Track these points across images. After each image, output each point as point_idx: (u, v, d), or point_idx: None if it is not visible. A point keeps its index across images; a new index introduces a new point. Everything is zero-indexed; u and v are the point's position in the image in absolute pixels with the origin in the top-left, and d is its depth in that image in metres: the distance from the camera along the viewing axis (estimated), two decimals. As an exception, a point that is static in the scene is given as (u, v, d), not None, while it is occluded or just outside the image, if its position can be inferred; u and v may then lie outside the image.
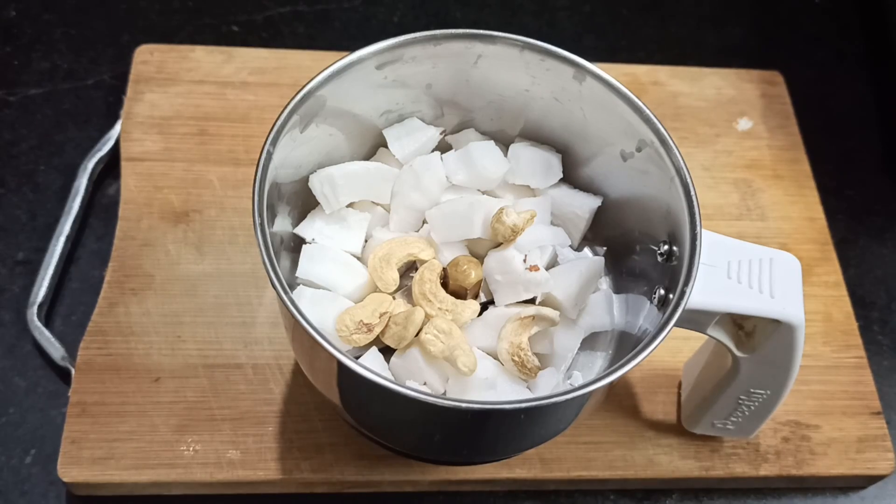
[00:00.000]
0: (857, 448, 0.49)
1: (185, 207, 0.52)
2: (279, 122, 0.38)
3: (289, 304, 0.33)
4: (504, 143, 0.45)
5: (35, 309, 0.49)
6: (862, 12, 0.71)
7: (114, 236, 0.50)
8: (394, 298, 0.41)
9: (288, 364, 0.47)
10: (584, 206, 0.44)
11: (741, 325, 0.39)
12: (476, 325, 0.41)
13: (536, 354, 0.40)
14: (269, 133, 0.37)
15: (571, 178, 0.45)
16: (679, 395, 0.48)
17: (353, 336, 0.39)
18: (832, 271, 0.55)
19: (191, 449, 0.44)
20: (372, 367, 0.34)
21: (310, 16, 0.65)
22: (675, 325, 0.35)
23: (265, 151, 0.37)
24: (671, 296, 0.36)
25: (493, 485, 0.47)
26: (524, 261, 0.40)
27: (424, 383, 0.39)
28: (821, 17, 0.71)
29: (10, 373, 0.48)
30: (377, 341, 0.40)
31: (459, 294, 0.41)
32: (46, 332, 0.48)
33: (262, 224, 0.35)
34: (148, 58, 0.57)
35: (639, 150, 0.41)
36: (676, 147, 0.39)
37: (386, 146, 0.44)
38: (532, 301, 0.41)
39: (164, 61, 0.57)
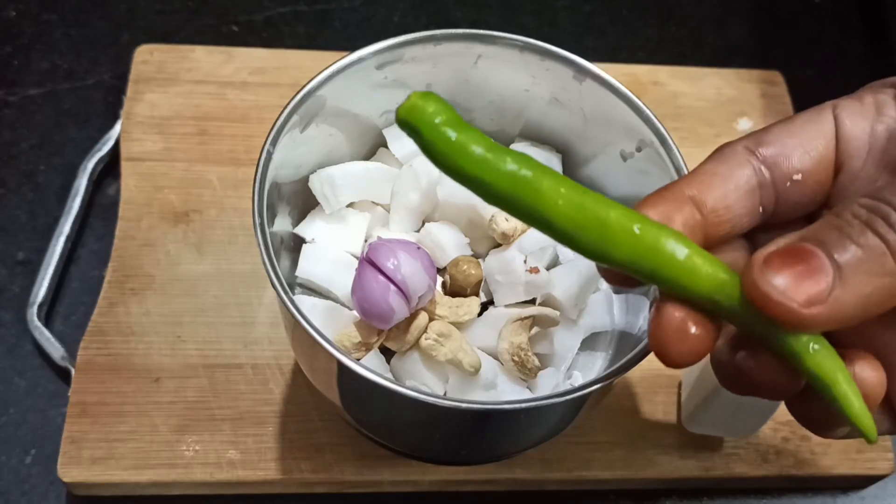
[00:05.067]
0: (857, 448, 0.49)
1: (185, 207, 0.52)
2: (279, 122, 0.38)
3: (289, 304, 0.33)
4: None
5: (35, 309, 0.49)
6: (862, 12, 0.71)
7: (114, 236, 0.50)
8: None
9: (288, 364, 0.47)
10: (584, 206, 0.44)
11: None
12: (476, 325, 0.41)
13: (536, 354, 0.40)
14: (269, 133, 0.37)
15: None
16: (679, 395, 0.48)
17: (352, 355, 0.39)
18: (832, 271, 0.54)
19: (191, 449, 0.44)
20: (372, 367, 0.34)
21: (310, 16, 0.65)
22: (676, 325, 0.35)
23: (265, 151, 0.37)
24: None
25: (493, 485, 0.47)
26: (524, 262, 0.40)
27: (424, 384, 0.39)
28: (821, 17, 0.71)
29: (10, 373, 0.48)
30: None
31: (459, 294, 0.41)
32: (46, 332, 0.48)
33: (262, 224, 0.35)
34: (148, 58, 0.57)
35: (639, 150, 0.41)
36: (676, 147, 0.39)
37: (386, 146, 0.44)
38: (532, 301, 0.41)
39: (164, 61, 0.57)
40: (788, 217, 0.29)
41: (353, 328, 0.38)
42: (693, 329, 0.25)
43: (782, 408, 0.43)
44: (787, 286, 0.22)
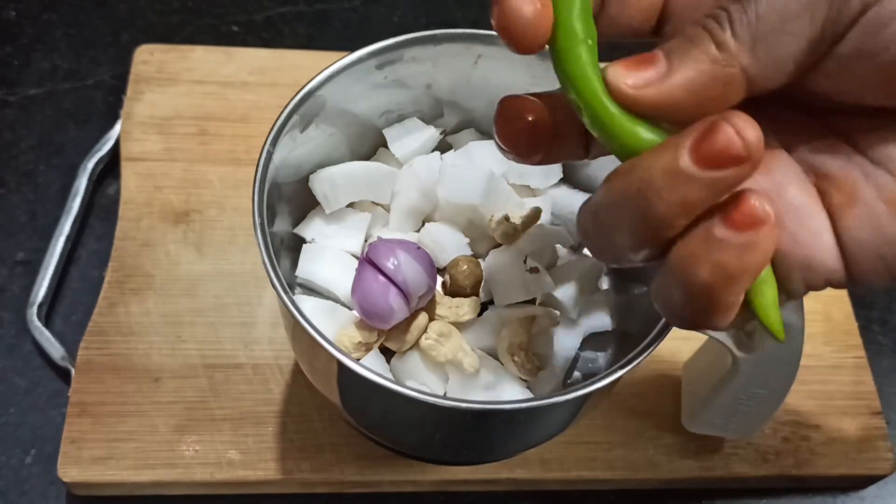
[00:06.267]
0: (857, 448, 0.49)
1: (185, 207, 0.52)
2: (279, 122, 0.38)
3: (289, 304, 0.33)
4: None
5: (35, 309, 0.49)
6: (862, 12, 0.71)
7: (114, 236, 0.50)
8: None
9: (288, 364, 0.47)
10: (584, 206, 0.44)
11: (741, 326, 0.39)
12: (476, 325, 0.41)
13: (536, 354, 0.40)
14: (269, 133, 0.37)
15: (571, 178, 0.45)
16: (679, 395, 0.48)
17: (352, 355, 0.39)
18: (832, 271, 0.54)
19: (191, 449, 0.45)
20: (372, 367, 0.34)
21: (310, 16, 0.65)
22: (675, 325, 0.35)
23: (265, 151, 0.37)
24: (671, 296, 0.36)
25: (493, 485, 0.47)
26: (524, 262, 0.40)
27: (424, 384, 0.39)
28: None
29: (10, 373, 0.48)
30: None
31: (459, 294, 0.41)
32: (46, 332, 0.48)
33: (262, 224, 0.35)
34: (148, 58, 0.57)
35: (639, 150, 0.41)
36: (676, 147, 0.39)
37: (386, 146, 0.44)
38: (532, 301, 0.41)
39: (164, 61, 0.57)
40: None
41: (353, 328, 0.38)
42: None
43: (783, 408, 0.43)
44: (622, 73, 0.25)
